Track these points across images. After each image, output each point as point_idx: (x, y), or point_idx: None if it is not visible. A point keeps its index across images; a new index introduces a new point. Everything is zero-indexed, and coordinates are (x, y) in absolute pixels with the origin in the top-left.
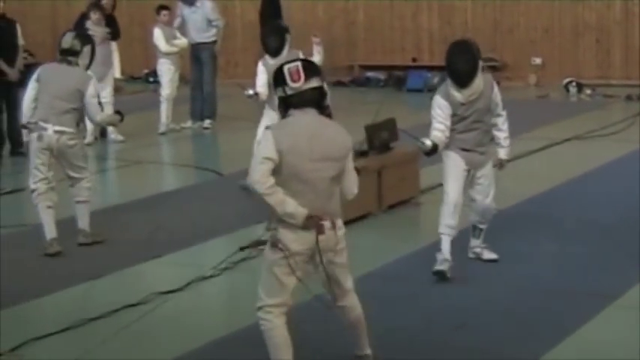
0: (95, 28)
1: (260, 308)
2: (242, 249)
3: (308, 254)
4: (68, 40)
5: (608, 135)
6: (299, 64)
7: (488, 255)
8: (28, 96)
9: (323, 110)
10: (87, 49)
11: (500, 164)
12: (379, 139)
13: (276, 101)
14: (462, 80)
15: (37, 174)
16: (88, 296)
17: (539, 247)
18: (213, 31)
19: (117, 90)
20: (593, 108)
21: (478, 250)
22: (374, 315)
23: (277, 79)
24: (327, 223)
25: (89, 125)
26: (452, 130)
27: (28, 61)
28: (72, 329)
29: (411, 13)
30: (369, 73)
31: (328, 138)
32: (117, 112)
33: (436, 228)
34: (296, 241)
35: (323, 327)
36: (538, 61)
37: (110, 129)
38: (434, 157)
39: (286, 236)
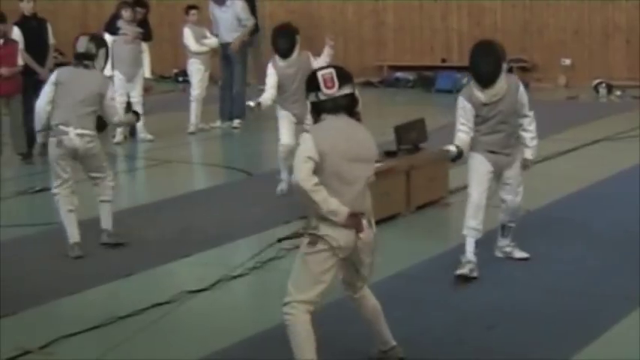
0: (127, 27)
1: (287, 303)
2: (279, 240)
3: (348, 251)
4: (83, 44)
5: (637, 136)
6: (333, 71)
7: (519, 254)
8: (45, 99)
9: (354, 115)
10: (102, 52)
11: (525, 164)
12: (408, 139)
13: (287, 100)
14: (485, 81)
15: (58, 179)
16: (117, 294)
17: (567, 248)
18: (243, 30)
19: (146, 90)
20: (622, 109)
21: (508, 249)
22: (402, 316)
23: (311, 84)
24: (365, 222)
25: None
26: (476, 131)
27: (59, 60)
28: (101, 327)
29: (440, 13)
30: (398, 74)
31: (361, 140)
32: (134, 112)
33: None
34: (337, 238)
35: (345, 328)
36: (567, 62)
37: (140, 128)
38: (464, 158)
39: (330, 233)
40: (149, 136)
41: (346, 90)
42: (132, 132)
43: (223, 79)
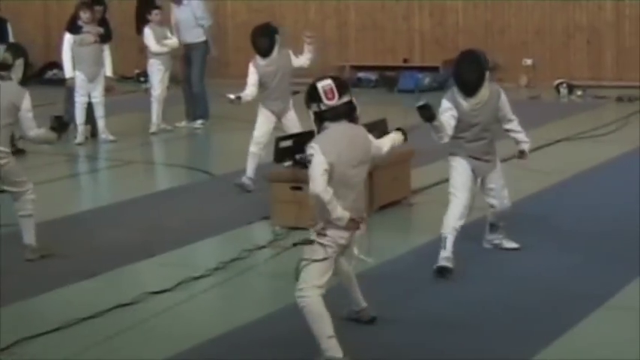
0: (88, 27)
1: (301, 289)
2: (295, 245)
3: (343, 247)
4: None
5: (599, 136)
6: (332, 82)
7: (508, 244)
8: None
9: (353, 121)
10: (19, 61)
11: (520, 156)
12: None
13: (269, 97)
14: (469, 89)
15: None
16: (80, 296)
17: (530, 247)
18: (202, 30)
19: (108, 90)
20: (584, 109)
21: (497, 241)
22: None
23: (312, 96)
24: (361, 220)
25: (80, 125)
26: (460, 138)
27: None
28: (65, 328)
29: (402, 13)
30: (361, 74)
31: (360, 144)
32: (57, 117)
33: (428, 228)
34: (341, 237)
35: None
36: (529, 62)
37: (101, 129)
38: (426, 159)
39: (334, 233)
40: (111, 137)
41: (345, 99)
42: (93, 133)
43: (184, 79)
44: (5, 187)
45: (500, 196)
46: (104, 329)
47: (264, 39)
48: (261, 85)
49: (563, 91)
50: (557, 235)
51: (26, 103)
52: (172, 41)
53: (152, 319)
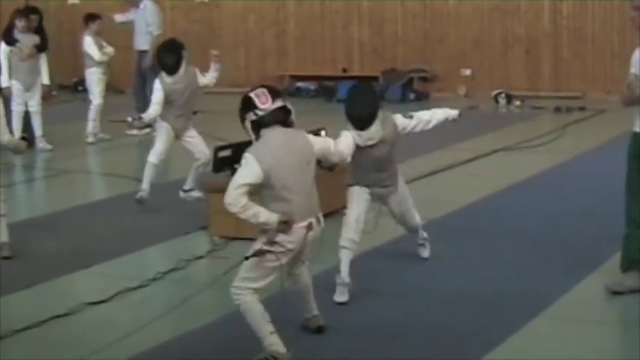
0: (22, 36)
1: (237, 286)
2: (246, 258)
3: (298, 249)
4: None
5: (536, 146)
6: (264, 89)
7: (422, 252)
8: None
9: (289, 126)
10: None
11: (458, 116)
12: None
13: (172, 114)
14: (360, 123)
15: None
16: (14, 307)
17: (467, 257)
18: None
19: (46, 98)
20: (522, 119)
21: (421, 241)
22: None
23: (246, 105)
24: (314, 221)
25: (17, 134)
26: (358, 166)
27: None
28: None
29: (341, 23)
30: (300, 84)
31: (298, 148)
32: (23, 137)
33: (371, 236)
34: (291, 241)
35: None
36: (468, 72)
37: (38, 138)
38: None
39: (282, 237)
40: (48, 146)
41: (279, 103)
42: (30, 142)
43: (135, 86)
44: None
45: (408, 214)
46: (40, 340)
47: (170, 55)
48: (167, 102)
49: (502, 101)
50: (491, 245)
51: None
52: (111, 49)
53: (89, 330)
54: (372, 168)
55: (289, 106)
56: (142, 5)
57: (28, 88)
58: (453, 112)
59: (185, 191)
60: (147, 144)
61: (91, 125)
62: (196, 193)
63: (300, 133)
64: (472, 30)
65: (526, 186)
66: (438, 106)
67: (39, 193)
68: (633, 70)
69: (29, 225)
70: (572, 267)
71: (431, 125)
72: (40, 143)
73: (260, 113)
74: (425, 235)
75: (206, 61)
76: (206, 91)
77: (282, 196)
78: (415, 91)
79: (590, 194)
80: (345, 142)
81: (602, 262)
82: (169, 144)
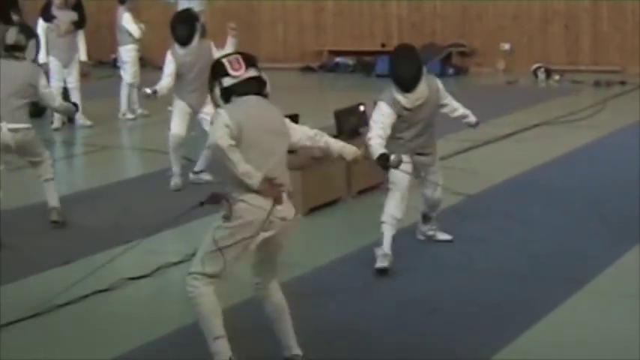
0: (60, 13)
1: (190, 274)
2: (201, 204)
3: (259, 225)
4: (13, 36)
5: (576, 121)
6: (237, 55)
7: (441, 236)
8: None
9: (265, 96)
10: (32, 42)
11: (474, 125)
12: (348, 124)
13: (185, 89)
14: (407, 85)
15: None
16: (56, 282)
17: (507, 232)
18: None
19: (84, 75)
20: (561, 94)
21: (431, 232)
22: (345, 301)
23: (217, 71)
24: (285, 196)
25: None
26: (400, 138)
27: None
28: (42, 315)
29: None
30: (338, 59)
31: (273, 116)
32: (74, 103)
33: (406, 213)
34: (251, 212)
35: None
36: (507, 47)
37: (78, 114)
38: None
39: (241, 206)
40: (88, 122)
41: (252, 72)
42: (70, 118)
43: None
44: (27, 158)
45: (433, 187)
46: (82, 315)
47: (183, 26)
48: (178, 75)
49: (541, 75)
50: (532, 220)
51: (43, 80)
52: (143, 26)
53: (129, 305)
54: (415, 132)
55: (264, 76)
56: None
57: (65, 65)
58: (472, 117)
59: (195, 173)
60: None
61: (124, 103)
62: (206, 176)
63: (275, 108)
64: (511, 5)
65: (566, 160)
66: (477, 81)
67: (79, 168)
68: None
69: (69, 200)
70: (613, 241)
71: (456, 114)
72: (80, 119)
73: (231, 81)
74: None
75: (244, 37)
76: None
77: (251, 155)
78: (454, 65)
79: (631, 168)
80: (332, 140)
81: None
82: (186, 121)
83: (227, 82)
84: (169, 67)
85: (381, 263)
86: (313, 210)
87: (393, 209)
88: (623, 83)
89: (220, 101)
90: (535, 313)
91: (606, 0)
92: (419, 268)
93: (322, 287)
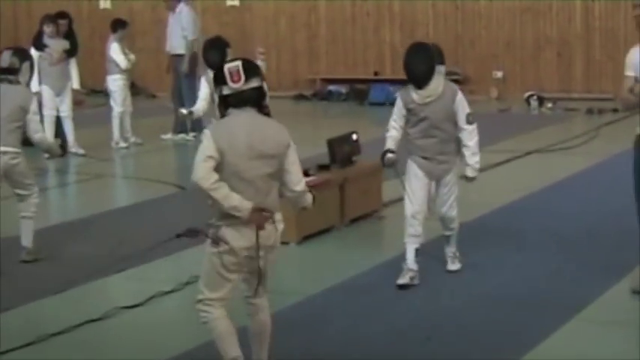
0: (52, 42)
1: (200, 301)
2: (178, 236)
3: (249, 251)
4: (6, 59)
5: (569, 148)
6: (239, 64)
7: (450, 266)
8: None
9: (262, 109)
10: (26, 65)
11: (465, 178)
12: (341, 152)
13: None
14: (418, 81)
15: None
16: (49, 311)
17: (502, 259)
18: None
19: (77, 103)
20: (554, 121)
21: (448, 258)
22: (340, 328)
23: (218, 78)
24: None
25: (50, 138)
26: (410, 135)
27: None
28: (35, 344)
29: (373, 26)
30: (331, 87)
31: (265, 136)
32: (61, 146)
33: (399, 240)
34: (239, 238)
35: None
36: (499, 74)
37: (71, 143)
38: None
39: (229, 234)
40: (81, 151)
41: (253, 83)
42: (63, 146)
43: (171, 91)
44: (15, 190)
45: (446, 204)
46: (75, 344)
47: (215, 52)
48: (213, 99)
49: (534, 103)
50: (525, 247)
51: (33, 106)
52: (133, 57)
53: (123, 334)
54: (420, 130)
55: (265, 87)
56: (177, 9)
57: (58, 93)
58: (470, 171)
59: None
60: (179, 148)
61: (116, 132)
62: None
63: (274, 124)
64: (504, 32)
65: (560, 188)
66: (470, 109)
67: (72, 197)
68: (631, 72)
69: (63, 229)
70: (607, 269)
71: (463, 148)
72: (73, 148)
73: (229, 91)
74: (454, 250)
75: None
76: None
77: (232, 184)
78: None
79: (624, 195)
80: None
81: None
82: None
83: (225, 91)
84: (204, 91)
85: (401, 279)
86: (307, 238)
87: (408, 228)
88: (615, 111)
89: (217, 111)
90: (529, 340)
91: (599, 27)
92: (414, 295)
93: (316, 315)
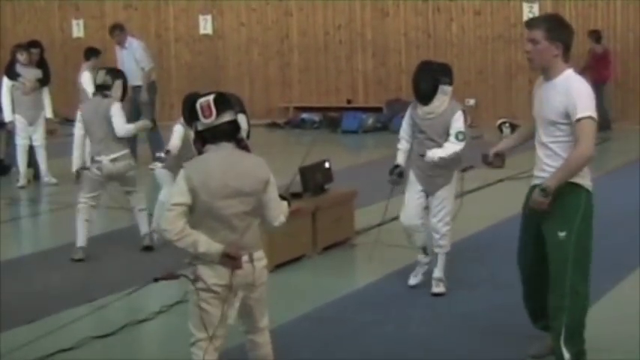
0: (24, 70)
1: (192, 344)
2: (156, 280)
3: (227, 289)
4: (101, 77)
5: None
6: (210, 98)
7: (434, 288)
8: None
9: (239, 143)
10: (118, 82)
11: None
12: (313, 180)
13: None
14: (421, 97)
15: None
16: (22, 340)
17: (473, 287)
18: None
19: (50, 132)
20: (526, 149)
21: (433, 281)
22: (311, 357)
23: (191, 114)
24: (244, 257)
25: (22, 168)
26: (414, 143)
27: None
28: None
29: (345, 54)
30: (304, 115)
31: (242, 173)
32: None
33: (371, 269)
34: (214, 276)
35: None
36: (472, 102)
37: (43, 172)
38: (369, 199)
39: (204, 272)
40: (53, 180)
41: (226, 117)
42: (36, 176)
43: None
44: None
45: (434, 213)
46: None
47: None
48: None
49: (506, 130)
50: (495, 276)
51: (113, 110)
52: None
53: None
54: (420, 142)
55: (241, 121)
56: (126, 43)
57: (31, 122)
58: (432, 154)
59: None
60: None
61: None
62: None
63: (252, 159)
64: (475, 60)
65: None
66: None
67: (44, 226)
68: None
69: (34, 258)
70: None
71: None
72: (46, 177)
73: (200, 127)
74: (441, 275)
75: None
76: None
77: (206, 223)
78: None
79: (602, 218)
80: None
81: (607, 290)
82: None
83: (199, 126)
84: (176, 140)
85: (412, 280)
86: (279, 266)
87: (407, 236)
88: None
89: (195, 147)
90: None
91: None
92: (384, 322)
93: (287, 344)
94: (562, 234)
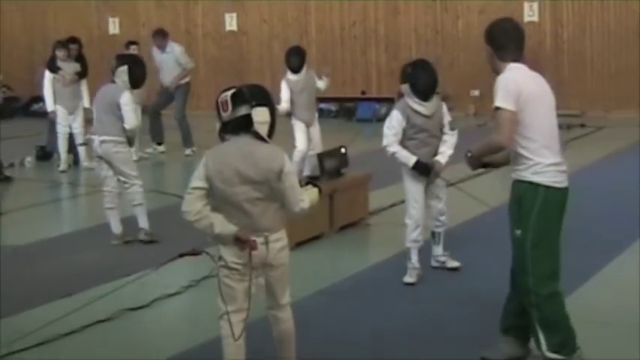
0: (63, 64)
1: (220, 317)
2: (180, 255)
3: (246, 267)
4: (113, 64)
5: None
6: (229, 94)
7: (451, 263)
8: None
9: (256, 134)
10: (122, 68)
11: (436, 169)
12: (331, 165)
13: (299, 109)
14: (426, 94)
15: None
16: (61, 313)
17: (485, 266)
18: (183, 72)
19: (88, 121)
20: None
21: (442, 258)
22: (326, 330)
23: (216, 110)
24: (259, 239)
25: (62, 154)
26: (409, 145)
27: (6, 95)
28: (46, 344)
29: (360, 49)
30: (322, 105)
31: (255, 162)
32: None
33: (384, 246)
34: (233, 255)
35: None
36: (476, 93)
37: (82, 157)
38: (383, 182)
39: (224, 251)
40: (91, 165)
41: (242, 112)
42: (75, 161)
43: (152, 109)
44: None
45: (436, 197)
46: (84, 344)
47: (296, 58)
48: (292, 101)
49: None
50: (495, 254)
51: (124, 99)
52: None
53: (128, 334)
54: (419, 141)
55: (261, 113)
56: (168, 49)
57: (71, 112)
58: (443, 157)
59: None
60: (189, 162)
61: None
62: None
63: (268, 148)
64: (480, 54)
65: None
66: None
67: (83, 207)
68: (510, 105)
69: (75, 237)
70: (577, 273)
71: (442, 143)
72: (84, 162)
73: (223, 120)
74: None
75: (235, 85)
76: None
77: (223, 208)
78: None
79: (591, 208)
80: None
81: (606, 265)
82: (306, 135)
83: (222, 119)
84: (285, 92)
85: (409, 278)
86: (299, 244)
87: (412, 234)
88: (582, 126)
89: (219, 138)
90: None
91: (567, 50)
92: (396, 298)
93: (303, 317)
94: (518, 232)
